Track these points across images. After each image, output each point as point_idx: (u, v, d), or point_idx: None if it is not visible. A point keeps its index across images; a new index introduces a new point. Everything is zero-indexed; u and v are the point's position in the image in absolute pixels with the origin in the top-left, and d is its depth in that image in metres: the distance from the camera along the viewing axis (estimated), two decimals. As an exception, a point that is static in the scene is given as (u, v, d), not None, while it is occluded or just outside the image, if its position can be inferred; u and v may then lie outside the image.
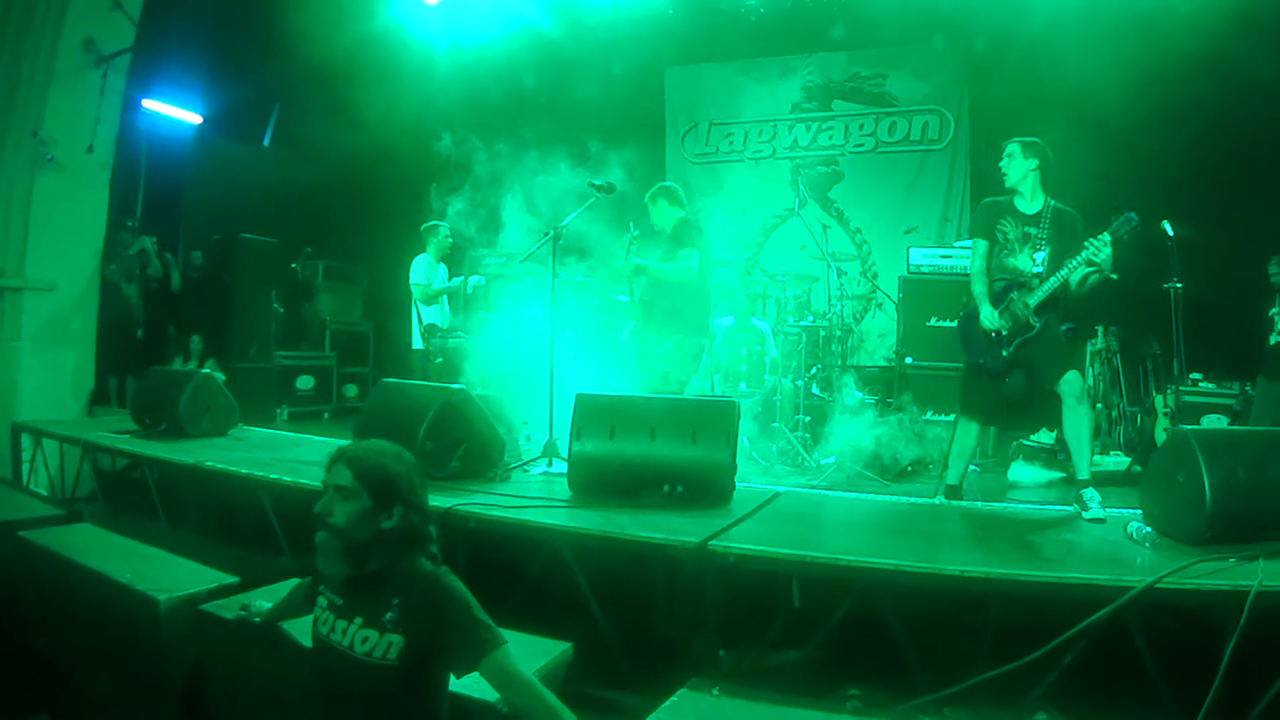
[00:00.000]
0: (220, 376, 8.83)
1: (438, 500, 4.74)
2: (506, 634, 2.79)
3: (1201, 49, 8.58)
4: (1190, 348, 8.48)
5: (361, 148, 11.73)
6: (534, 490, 5.72)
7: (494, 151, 7.89)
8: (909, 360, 9.24)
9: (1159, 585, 3.60)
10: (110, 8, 9.52)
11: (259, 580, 4.13)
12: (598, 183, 7.10)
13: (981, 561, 4.05)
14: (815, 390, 8.65)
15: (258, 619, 3.50)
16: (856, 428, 7.75)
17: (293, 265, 13.38)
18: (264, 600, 3.59)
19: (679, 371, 7.48)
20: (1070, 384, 5.38)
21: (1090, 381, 9.20)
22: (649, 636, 4.45)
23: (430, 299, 8.99)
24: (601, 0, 11.07)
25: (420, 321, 8.83)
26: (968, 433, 6.00)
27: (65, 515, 5.80)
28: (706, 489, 5.31)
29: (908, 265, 9.74)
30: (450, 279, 9.26)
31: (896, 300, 9.66)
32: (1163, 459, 4.74)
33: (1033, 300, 5.50)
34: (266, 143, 14.74)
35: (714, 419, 5.43)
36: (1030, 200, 5.74)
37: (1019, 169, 5.72)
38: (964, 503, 5.86)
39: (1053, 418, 5.63)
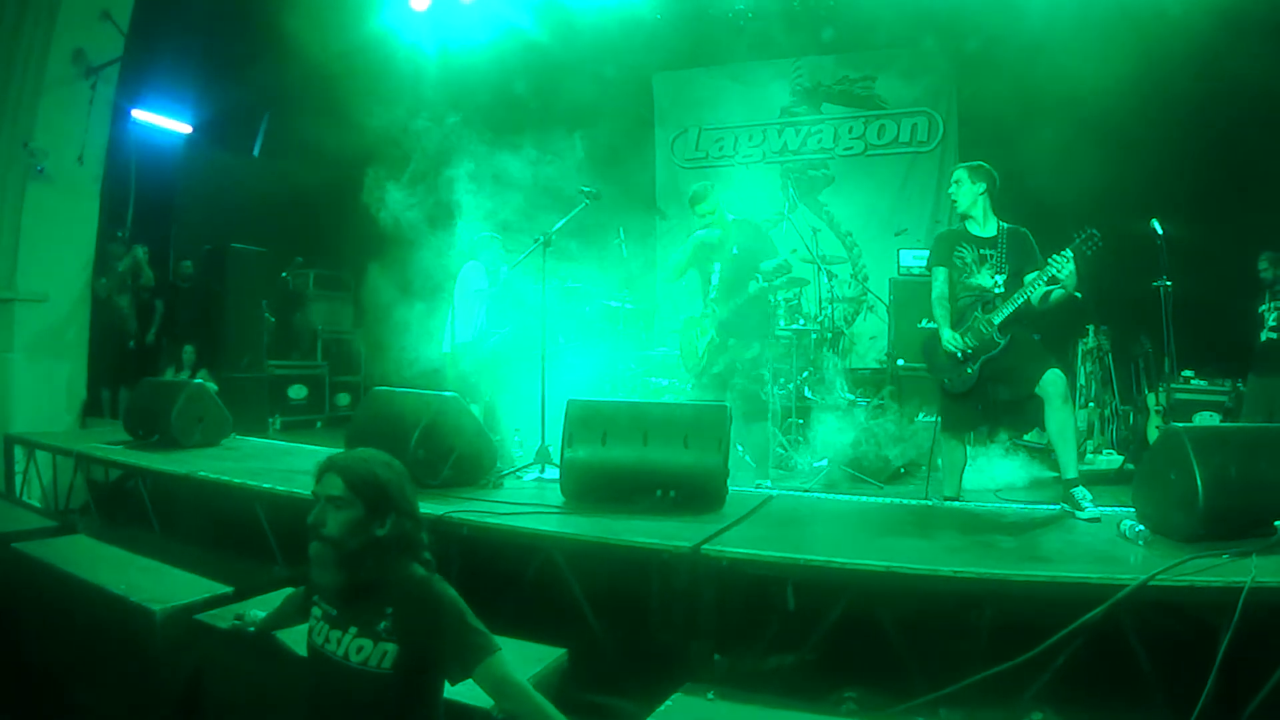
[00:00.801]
0: (213, 386, 8.79)
1: (430, 508, 4.76)
2: (501, 640, 2.79)
3: (1190, 49, 8.63)
4: (1182, 345, 8.52)
5: (352, 155, 11.71)
6: (527, 497, 5.73)
7: (480, 156, 7.86)
8: (900, 362, 9.26)
9: (1152, 583, 3.60)
10: (99, 18, 9.52)
11: (254, 590, 4.12)
12: (588, 189, 7.10)
13: (975, 562, 4.05)
14: (807, 393, 8.65)
15: (252, 629, 3.50)
16: (849, 430, 7.76)
17: (284, 274, 13.37)
18: (259, 610, 3.59)
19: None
20: (1054, 383, 5.39)
21: (1082, 380, 9.23)
22: (643, 641, 4.44)
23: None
24: (589, 5, 11.04)
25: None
26: (954, 449, 6.05)
27: (59, 527, 5.79)
28: (699, 493, 5.31)
29: (898, 267, 9.78)
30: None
31: (887, 302, 9.68)
32: (1155, 457, 4.76)
33: (996, 318, 5.59)
34: (256, 152, 14.73)
35: (706, 424, 5.43)
36: (983, 224, 5.85)
37: (968, 194, 5.81)
38: (956, 504, 5.87)
39: (1041, 419, 5.63)
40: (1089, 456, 8.39)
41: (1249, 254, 8.58)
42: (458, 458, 5.88)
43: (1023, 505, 5.85)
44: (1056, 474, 5.82)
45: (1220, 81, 8.90)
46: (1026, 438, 8.01)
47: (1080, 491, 5.20)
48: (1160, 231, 8.16)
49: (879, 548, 4.36)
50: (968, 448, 6.21)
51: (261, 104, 14.37)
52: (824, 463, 7.68)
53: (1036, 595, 3.76)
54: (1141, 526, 4.49)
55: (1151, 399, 8.92)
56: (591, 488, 5.46)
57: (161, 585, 4.27)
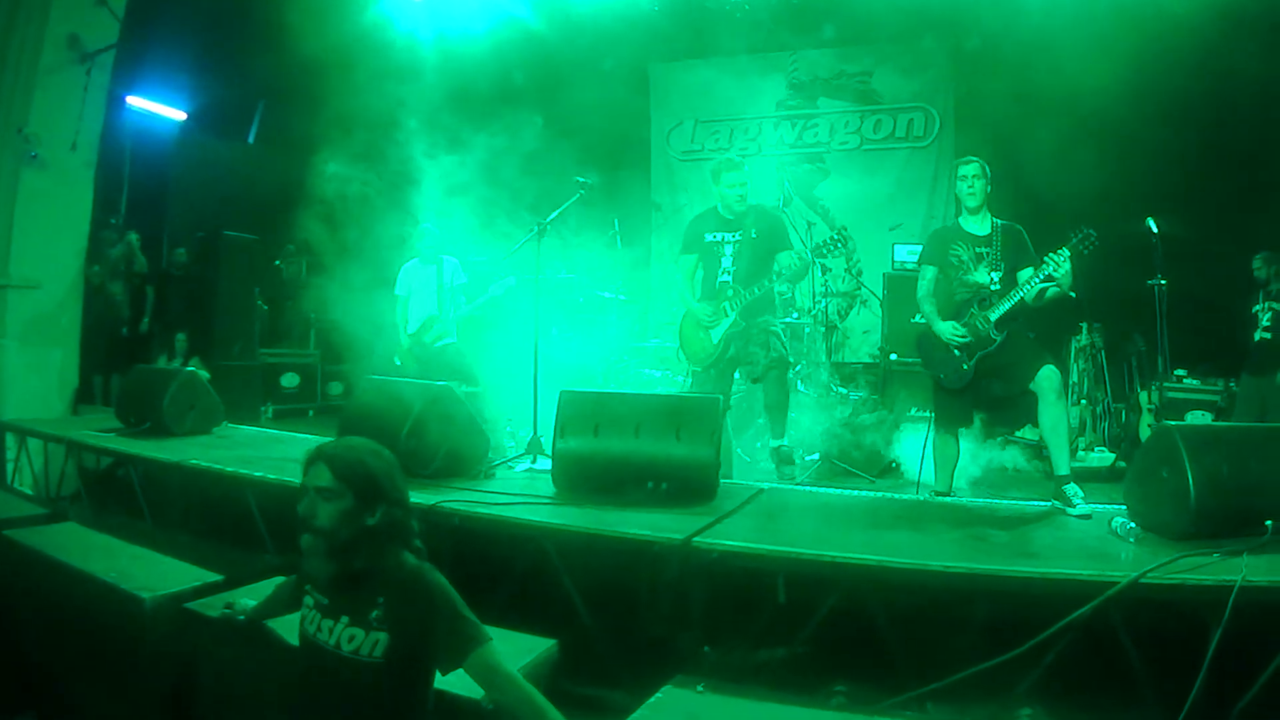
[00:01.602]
0: (205, 374, 8.74)
1: (421, 497, 4.76)
2: (491, 631, 2.79)
3: (1188, 48, 8.64)
4: (1175, 344, 8.54)
5: (346, 144, 11.68)
6: (518, 487, 5.70)
7: (475, 145, 7.84)
8: (894, 357, 9.27)
9: (1143, 580, 3.61)
10: (94, 4, 9.46)
11: (244, 578, 4.11)
12: (583, 179, 7.08)
13: (966, 557, 4.06)
14: (800, 387, 8.64)
15: (242, 617, 3.49)
16: (841, 424, 7.77)
17: (276, 262, 13.33)
18: (249, 598, 3.58)
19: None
20: (1049, 379, 5.41)
21: (1075, 377, 9.25)
22: (634, 633, 4.43)
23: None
24: (585, -5, 11.04)
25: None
26: (947, 444, 6.05)
27: (49, 514, 5.75)
28: (690, 486, 5.29)
29: (892, 262, 9.78)
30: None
31: (881, 297, 9.68)
32: (1147, 455, 4.76)
33: (993, 315, 5.61)
34: (251, 139, 14.69)
35: (698, 416, 5.41)
36: (980, 221, 5.84)
37: (982, 189, 5.78)
38: (948, 499, 5.88)
39: (1034, 415, 5.64)
40: (1081, 454, 8.42)
41: (1243, 254, 8.60)
42: (449, 448, 5.86)
43: (1015, 501, 5.86)
44: (1048, 470, 5.83)
45: (1217, 80, 8.91)
46: (1019, 433, 8.02)
47: (1072, 488, 5.19)
48: (1155, 230, 8.16)
49: (870, 542, 4.36)
50: (961, 443, 6.22)
51: (256, 92, 14.32)
52: (815, 457, 7.68)
53: (1027, 591, 3.76)
54: (1133, 524, 4.51)
55: (1144, 397, 8.93)
56: (583, 479, 5.45)
57: (152, 573, 4.24)
